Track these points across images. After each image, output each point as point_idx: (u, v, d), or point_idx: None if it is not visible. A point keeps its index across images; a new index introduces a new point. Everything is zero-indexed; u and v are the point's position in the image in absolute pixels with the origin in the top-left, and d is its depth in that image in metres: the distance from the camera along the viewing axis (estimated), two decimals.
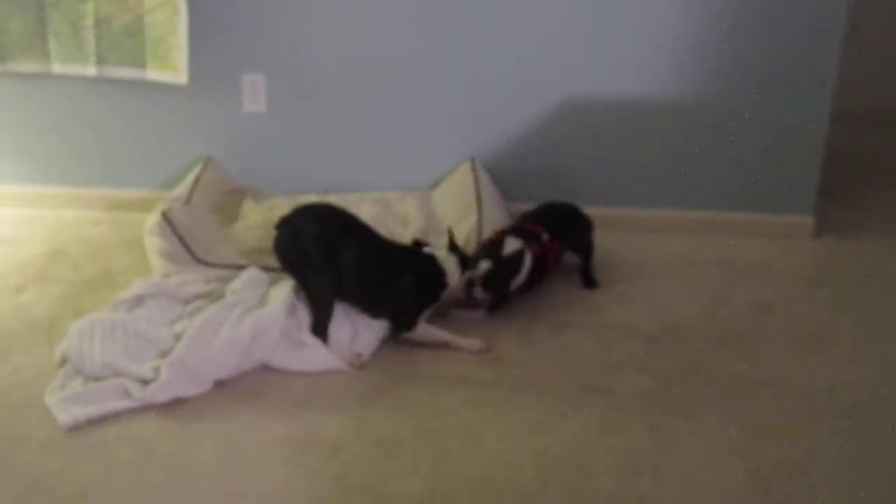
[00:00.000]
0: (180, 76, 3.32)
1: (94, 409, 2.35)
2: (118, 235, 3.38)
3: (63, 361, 2.55)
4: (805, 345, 2.73)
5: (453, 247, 2.79)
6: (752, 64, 3.25)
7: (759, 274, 3.16)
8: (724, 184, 3.42)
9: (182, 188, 3.25)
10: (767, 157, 3.36)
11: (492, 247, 2.80)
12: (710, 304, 2.95)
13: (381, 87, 3.38)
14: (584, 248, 3.06)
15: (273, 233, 2.71)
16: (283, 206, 2.91)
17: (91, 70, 3.36)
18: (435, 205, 3.36)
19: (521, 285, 2.82)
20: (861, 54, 3.82)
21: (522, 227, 2.91)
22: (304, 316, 2.63)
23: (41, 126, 3.58)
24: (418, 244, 2.81)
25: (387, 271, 2.68)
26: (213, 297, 2.77)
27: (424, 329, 2.69)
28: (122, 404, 2.38)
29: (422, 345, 2.67)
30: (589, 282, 3.04)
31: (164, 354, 2.51)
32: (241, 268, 2.86)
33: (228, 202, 3.36)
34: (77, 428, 2.32)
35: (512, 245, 2.78)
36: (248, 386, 2.51)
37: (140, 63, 3.33)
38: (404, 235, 3.15)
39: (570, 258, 3.05)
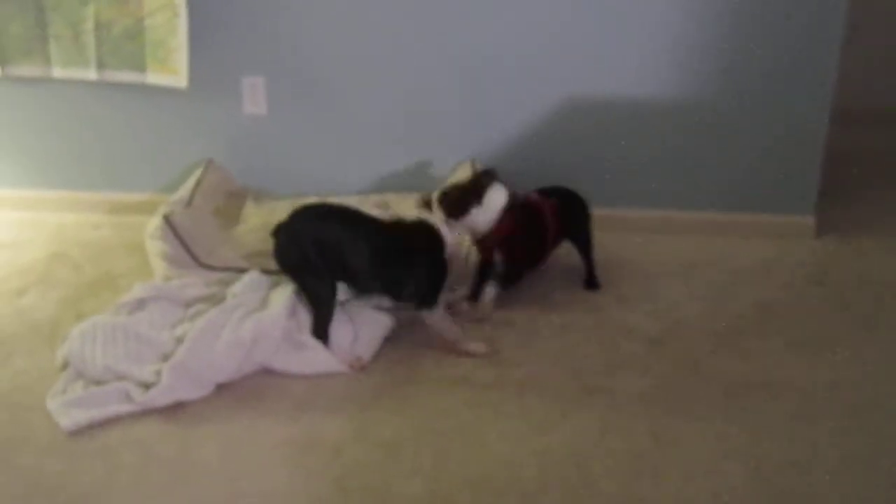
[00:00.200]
0: (180, 79, 3.32)
1: (95, 413, 2.35)
2: (119, 239, 3.38)
3: (65, 365, 2.56)
4: (806, 345, 2.73)
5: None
6: (752, 63, 3.25)
7: (760, 274, 3.16)
8: (725, 184, 3.42)
9: (183, 191, 3.26)
10: (768, 157, 3.37)
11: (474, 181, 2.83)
12: (710, 305, 2.95)
13: (381, 88, 3.38)
14: (582, 236, 3.03)
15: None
16: (284, 209, 2.90)
17: (91, 74, 3.37)
18: (437, 212, 3.36)
19: (521, 257, 2.83)
20: (861, 54, 3.83)
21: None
22: (305, 318, 2.63)
23: (42, 129, 3.59)
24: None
25: (399, 252, 2.67)
26: (215, 300, 2.77)
27: (442, 314, 2.67)
28: (124, 408, 2.38)
29: (439, 333, 2.66)
30: (591, 283, 3.03)
31: (165, 358, 2.51)
32: (242, 271, 2.86)
33: (230, 205, 3.36)
34: (78, 431, 2.32)
35: (495, 189, 2.79)
36: (249, 389, 2.51)
37: (140, 66, 3.34)
38: None
39: (572, 260, 3.04)
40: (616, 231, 3.36)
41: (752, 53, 3.23)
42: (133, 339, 2.59)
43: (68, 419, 2.34)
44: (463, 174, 3.32)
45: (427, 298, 2.65)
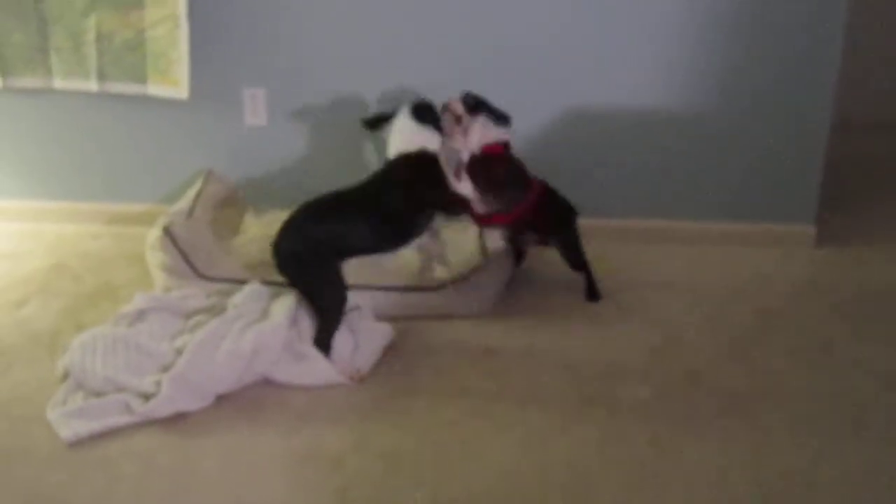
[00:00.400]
0: (181, 90, 3.33)
1: (95, 425, 2.35)
2: (119, 249, 3.38)
3: (65, 376, 2.55)
4: (807, 354, 2.73)
5: (419, 111, 2.89)
6: (752, 73, 3.26)
7: (761, 283, 3.16)
8: (726, 193, 3.43)
9: (184, 202, 3.26)
10: (769, 166, 3.37)
11: None
12: (711, 314, 2.95)
13: (381, 99, 3.39)
14: (565, 236, 3.01)
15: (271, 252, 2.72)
16: (284, 220, 2.90)
17: (92, 85, 3.37)
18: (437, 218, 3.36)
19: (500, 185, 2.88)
20: (862, 63, 3.83)
21: None
22: (305, 329, 2.63)
23: (43, 140, 3.59)
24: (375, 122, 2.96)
25: (405, 207, 2.77)
26: (215, 311, 2.77)
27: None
28: (124, 419, 2.38)
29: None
30: (591, 294, 3.02)
31: (165, 369, 2.51)
32: (242, 282, 2.86)
33: (230, 216, 3.36)
34: (79, 442, 2.32)
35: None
36: (249, 400, 2.50)
37: (141, 78, 3.34)
38: (406, 249, 3.15)
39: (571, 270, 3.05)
40: (617, 240, 3.37)
41: (753, 63, 3.23)
42: (133, 350, 2.58)
43: (68, 430, 2.34)
44: None
45: (448, 208, 2.84)
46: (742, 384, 2.58)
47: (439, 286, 2.91)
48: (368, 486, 2.19)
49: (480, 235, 3.08)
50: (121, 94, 3.40)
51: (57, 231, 3.55)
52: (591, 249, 3.07)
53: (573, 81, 3.32)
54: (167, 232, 2.98)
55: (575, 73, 3.31)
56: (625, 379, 2.60)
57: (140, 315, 2.77)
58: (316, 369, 2.56)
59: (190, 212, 3.16)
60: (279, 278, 2.80)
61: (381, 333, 2.73)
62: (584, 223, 3.06)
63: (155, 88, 3.35)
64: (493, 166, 2.86)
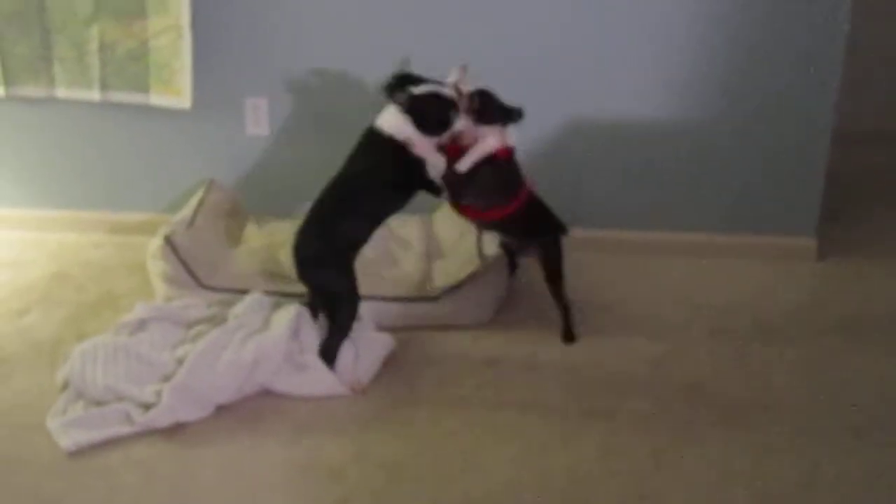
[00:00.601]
0: (184, 100, 3.34)
1: (95, 434, 2.35)
2: (121, 258, 3.38)
3: (65, 385, 2.55)
4: (807, 367, 2.73)
5: (416, 113, 2.66)
6: (754, 84, 3.26)
7: (761, 296, 3.15)
8: (726, 205, 3.42)
9: (185, 211, 3.26)
10: (770, 178, 3.37)
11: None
12: (711, 327, 2.94)
13: (382, 109, 3.39)
14: (543, 239, 2.89)
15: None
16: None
17: (95, 95, 3.38)
18: (436, 228, 3.37)
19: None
20: (864, 74, 3.83)
21: None
22: (306, 339, 2.62)
23: (44, 149, 3.59)
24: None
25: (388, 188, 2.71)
26: (216, 321, 2.77)
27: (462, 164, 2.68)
28: (124, 429, 2.38)
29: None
30: (567, 335, 2.86)
31: (165, 378, 2.51)
32: (243, 291, 2.86)
33: (231, 225, 3.37)
34: (79, 452, 2.32)
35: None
36: (249, 410, 2.50)
37: (144, 88, 3.35)
38: (406, 258, 3.16)
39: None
40: (617, 252, 3.37)
41: (754, 74, 3.24)
42: (134, 359, 2.58)
43: (68, 439, 2.34)
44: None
45: (429, 186, 2.72)
46: (742, 397, 2.58)
47: (439, 296, 2.92)
48: (369, 496, 2.19)
49: (478, 241, 3.08)
50: (123, 103, 3.40)
51: (59, 240, 3.56)
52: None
53: (573, 91, 3.32)
54: (168, 241, 2.98)
55: (575, 83, 3.31)
56: (625, 390, 2.60)
57: (141, 324, 2.77)
58: (316, 380, 2.56)
59: (191, 221, 3.17)
60: (281, 288, 2.80)
61: (381, 344, 2.73)
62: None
63: (157, 98, 3.36)
64: (487, 172, 2.73)
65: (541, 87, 3.31)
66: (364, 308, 2.83)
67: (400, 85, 2.69)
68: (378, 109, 3.38)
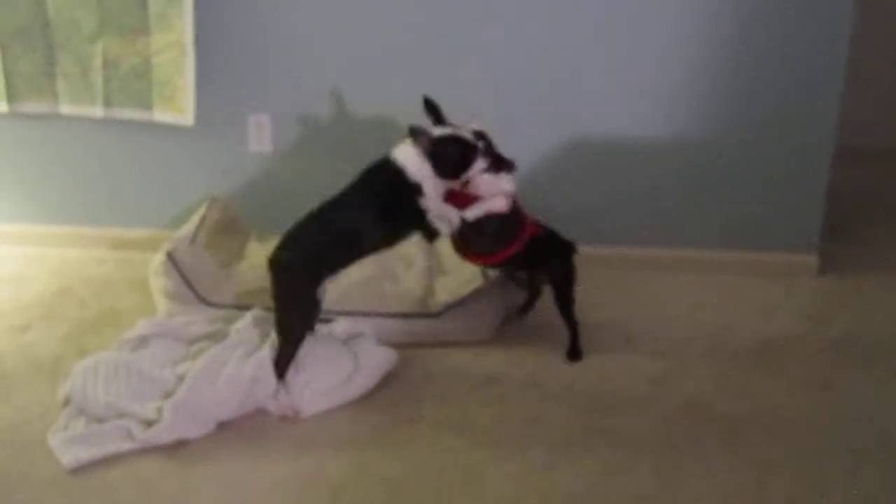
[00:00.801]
0: (186, 117, 3.35)
1: (96, 451, 2.35)
2: (123, 275, 3.39)
3: (67, 401, 2.55)
4: (809, 384, 2.72)
5: (436, 155, 2.58)
6: (754, 102, 3.27)
7: (763, 313, 3.15)
8: (728, 222, 3.43)
9: (187, 228, 3.27)
10: (771, 195, 3.37)
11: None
12: (713, 343, 2.94)
13: (383, 128, 3.40)
14: (556, 271, 2.88)
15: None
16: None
17: (98, 111, 3.39)
18: (438, 245, 3.36)
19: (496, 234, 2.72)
20: (864, 92, 3.84)
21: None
22: (303, 359, 2.61)
23: (47, 165, 3.61)
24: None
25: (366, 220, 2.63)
26: (218, 337, 2.77)
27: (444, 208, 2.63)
28: (125, 446, 2.38)
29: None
30: (574, 352, 2.86)
31: (167, 395, 2.51)
32: (245, 308, 2.86)
33: (233, 242, 3.37)
34: (80, 468, 2.32)
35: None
36: (250, 427, 2.50)
37: (147, 104, 3.36)
38: (408, 275, 3.15)
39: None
40: (618, 268, 3.37)
41: (755, 92, 3.25)
42: (135, 376, 2.58)
43: (69, 456, 2.33)
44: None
45: (428, 234, 2.66)
46: (743, 415, 2.57)
47: (441, 312, 2.92)
48: None
49: None
50: (126, 119, 3.42)
51: (61, 256, 3.56)
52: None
53: (574, 110, 3.33)
54: (170, 257, 2.99)
55: (576, 102, 3.32)
56: (626, 408, 2.60)
57: (143, 341, 2.77)
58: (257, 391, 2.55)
59: (193, 237, 3.17)
60: None
61: (384, 357, 2.73)
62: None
63: (161, 115, 3.37)
64: (493, 220, 2.67)
65: (541, 106, 3.33)
66: (366, 323, 2.84)
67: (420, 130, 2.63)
68: (379, 126, 3.41)
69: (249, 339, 2.68)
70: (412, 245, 3.35)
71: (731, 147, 3.33)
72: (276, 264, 2.61)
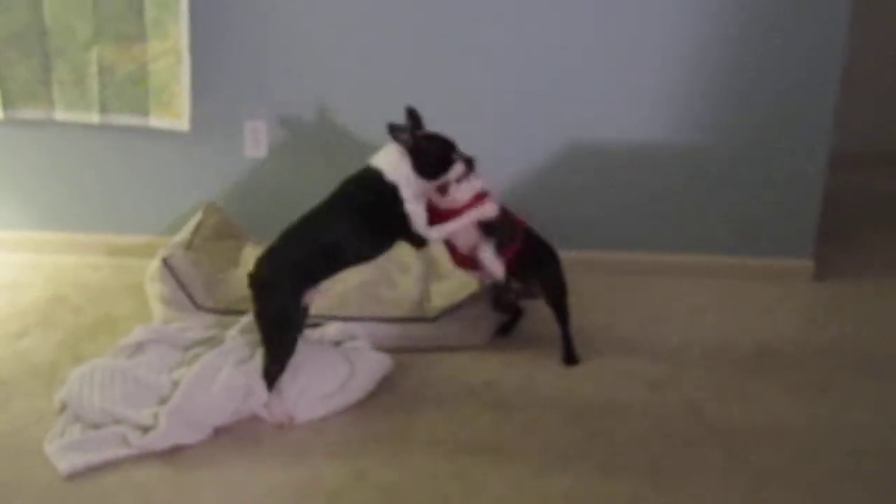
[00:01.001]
0: (182, 123, 3.35)
1: (93, 457, 2.34)
2: (119, 281, 3.39)
3: (63, 408, 2.55)
4: (806, 389, 2.72)
5: (418, 153, 2.56)
6: (751, 107, 3.28)
7: (760, 318, 3.16)
8: (724, 227, 3.43)
9: (183, 234, 3.26)
10: (767, 200, 3.38)
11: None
12: (710, 348, 2.94)
13: (380, 134, 3.40)
14: (542, 271, 2.85)
15: None
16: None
17: (94, 117, 3.39)
18: (434, 250, 3.36)
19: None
20: (860, 97, 3.85)
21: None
22: (297, 364, 2.61)
23: (43, 171, 3.60)
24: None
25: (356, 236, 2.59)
26: (214, 343, 2.77)
27: (439, 231, 2.61)
28: (122, 452, 2.37)
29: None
30: (569, 356, 2.86)
31: (163, 401, 2.50)
32: (241, 314, 2.86)
33: (229, 248, 3.37)
34: (76, 475, 2.31)
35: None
36: (247, 433, 2.50)
37: (143, 110, 3.36)
38: (404, 280, 3.15)
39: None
40: (616, 274, 3.37)
41: (751, 98, 3.26)
42: (131, 382, 2.58)
43: (66, 463, 2.33)
44: None
45: (415, 242, 2.62)
46: (741, 419, 2.57)
47: (437, 317, 2.92)
48: None
49: None
50: (122, 126, 3.41)
51: (57, 262, 3.56)
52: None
53: (571, 115, 3.34)
54: (166, 263, 2.99)
55: (573, 108, 3.33)
56: (624, 413, 2.60)
57: (139, 347, 2.77)
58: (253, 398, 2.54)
59: (189, 243, 3.17)
60: None
61: (379, 363, 2.72)
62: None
63: (157, 121, 3.37)
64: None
65: (539, 111, 3.34)
66: (362, 329, 2.84)
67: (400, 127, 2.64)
68: (376, 133, 3.40)
69: (244, 346, 2.67)
70: (408, 250, 3.35)
71: (728, 151, 3.34)
72: (257, 281, 2.56)
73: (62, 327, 3.06)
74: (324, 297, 2.95)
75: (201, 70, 3.32)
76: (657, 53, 3.25)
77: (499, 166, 3.37)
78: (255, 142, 3.46)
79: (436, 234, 2.63)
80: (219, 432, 2.48)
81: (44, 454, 2.37)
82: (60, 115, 3.42)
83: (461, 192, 2.62)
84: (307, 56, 3.35)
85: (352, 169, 3.35)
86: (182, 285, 2.97)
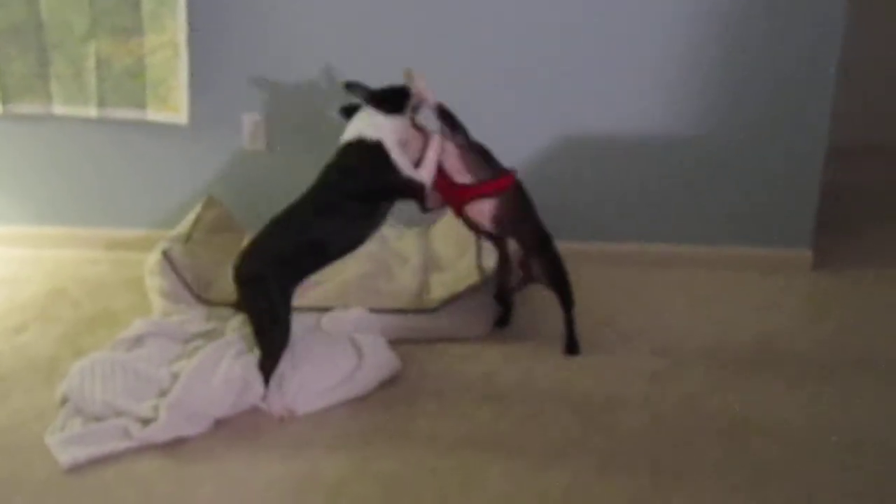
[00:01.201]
0: (181, 116, 3.34)
1: (94, 450, 2.34)
2: (118, 275, 3.38)
3: (64, 401, 2.55)
4: (805, 380, 2.73)
5: (376, 98, 2.68)
6: (748, 99, 3.28)
7: (758, 309, 3.16)
8: (722, 218, 3.44)
9: (182, 227, 3.26)
10: (765, 191, 3.38)
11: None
12: (709, 340, 2.95)
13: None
14: (541, 252, 2.85)
15: None
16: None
17: (92, 111, 3.39)
18: (433, 242, 3.37)
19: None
20: (857, 89, 3.85)
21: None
22: (297, 357, 2.62)
23: (41, 166, 3.60)
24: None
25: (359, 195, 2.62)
26: (213, 335, 2.77)
27: (426, 168, 2.66)
28: (123, 445, 2.37)
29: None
30: (571, 345, 2.87)
31: (163, 393, 2.51)
32: (240, 306, 2.86)
33: (228, 240, 3.36)
34: (77, 468, 2.31)
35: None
36: (247, 424, 2.50)
37: (141, 104, 3.36)
38: (403, 272, 3.16)
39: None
40: (613, 265, 3.37)
41: (749, 89, 3.26)
42: (132, 375, 2.58)
43: (67, 456, 2.33)
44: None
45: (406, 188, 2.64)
46: (741, 410, 2.57)
47: (437, 308, 2.92)
48: None
49: (477, 254, 3.09)
50: (120, 119, 3.41)
51: (55, 256, 3.56)
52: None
53: (568, 104, 3.34)
54: (165, 256, 2.99)
55: (570, 97, 3.33)
56: (624, 405, 2.60)
57: (139, 340, 2.77)
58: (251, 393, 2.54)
59: (188, 236, 3.17)
60: None
61: (388, 363, 2.72)
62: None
63: (155, 115, 3.37)
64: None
65: (535, 100, 3.33)
66: (362, 321, 2.84)
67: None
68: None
69: (244, 338, 2.67)
70: (407, 242, 3.36)
71: (726, 143, 3.34)
72: (242, 277, 2.56)
73: (61, 322, 3.06)
74: (321, 289, 2.96)
75: (199, 63, 3.31)
76: (655, 45, 3.24)
77: (496, 158, 3.37)
78: (254, 135, 3.46)
79: (425, 171, 2.66)
80: (219, 425, 2.48)
81: (43, 449, 2.37)
82: (58, 109, 3.42)
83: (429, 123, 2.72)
84: (305, 49, 3.35)
85: None
86: (181, 278, 2.97)
